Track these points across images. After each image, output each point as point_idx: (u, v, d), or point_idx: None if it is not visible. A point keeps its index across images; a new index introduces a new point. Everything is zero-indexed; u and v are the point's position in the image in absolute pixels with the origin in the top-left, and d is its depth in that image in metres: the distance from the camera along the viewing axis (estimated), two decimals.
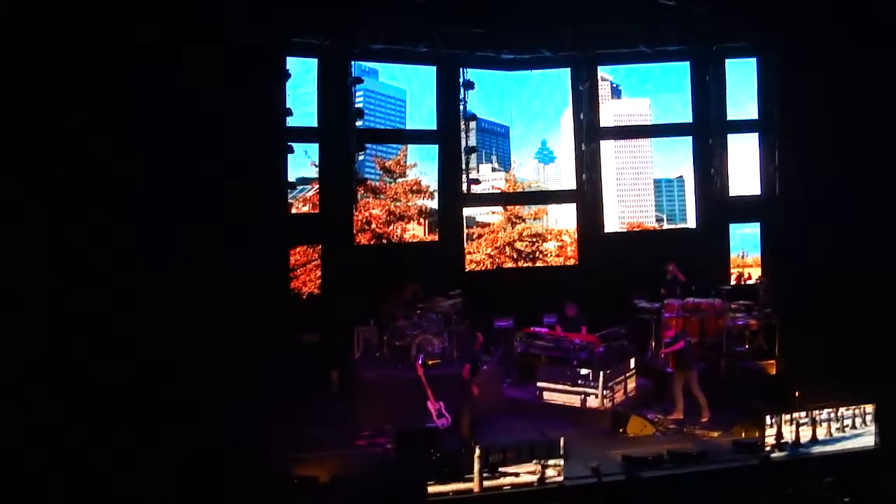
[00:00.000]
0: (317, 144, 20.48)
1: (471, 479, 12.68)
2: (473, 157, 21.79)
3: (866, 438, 14.47)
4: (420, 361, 16.12)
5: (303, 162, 20.27)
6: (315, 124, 20.45)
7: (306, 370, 18.08)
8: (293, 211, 20.37)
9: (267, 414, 16.00)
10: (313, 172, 20.49)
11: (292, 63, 19.73)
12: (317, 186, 20.47)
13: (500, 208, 22.82)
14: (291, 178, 20.04)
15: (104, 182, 14.95)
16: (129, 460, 12.79)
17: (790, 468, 13.46)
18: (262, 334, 17.60)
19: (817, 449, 14.09)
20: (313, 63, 20.30)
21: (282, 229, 19.66)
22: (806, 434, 14.23)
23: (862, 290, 18.96)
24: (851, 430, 14.47)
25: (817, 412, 14.32)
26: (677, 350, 16.55)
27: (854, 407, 14.52)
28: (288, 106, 19.62)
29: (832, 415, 14.36)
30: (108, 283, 14.65)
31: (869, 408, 14.56)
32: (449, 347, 17.54)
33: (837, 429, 14.40)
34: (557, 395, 17.02)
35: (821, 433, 14.30)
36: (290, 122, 19.73)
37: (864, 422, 14.52)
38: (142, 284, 15.33)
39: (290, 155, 19.78)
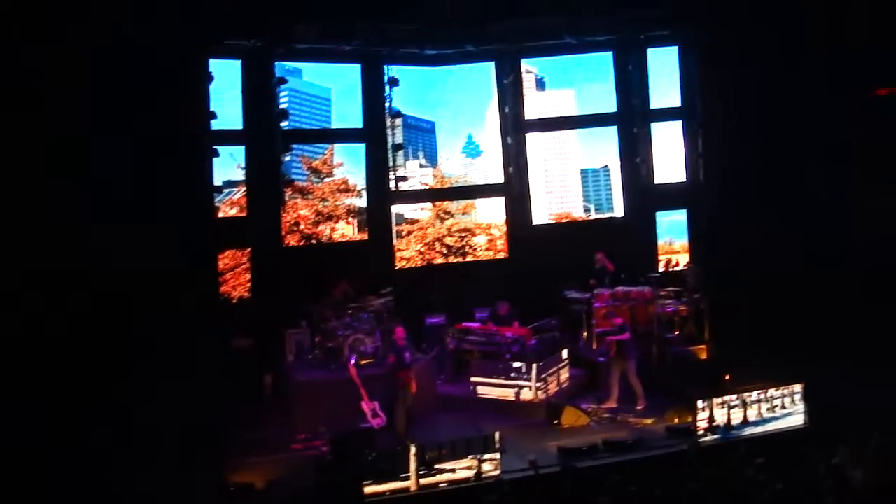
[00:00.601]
0: (243, 147, 20.22)
1: (407, 478, 12.68)
2: (400, 153, 21.68)
3: (796, 417, 14.74)
4: (353, 362, 16.03)
5: (229, 164, 20.07)
6: (240, 126, 20.18)
7: (239, 375, 17.88)
8: (220, 215, 20.11)
9: (200, 421, 15.81)
10: (240, 175, 20.26)
11: (216, 65, 19.46)
12: (243, 189, 20.24)
13: (428, 204, 22.77)
14: (218, 181, 19.77)
15: (28, 187, 14.74)
16: (62, 467, 12.57)
17: (722, 451, 13.62)
18: (192, 341, 17.38)
19: (749, 430, 14.30)
20: (237, 65, 20.04)
21: (209, 234, 19.40)
22: (737, 416, 14.45)
23: (786, 271, 19.30)
24: (781, 410, 14.73)
25: (747, 394, 14.56)
26: (622, 340, 16.67)
27: (783, 387, 14.78)
28: (212, 109, 19.34)
29: (762, 396, 14.60)
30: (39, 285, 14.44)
31: (797, 387, 14.82)
32: (381, 346, 17.47)
33: (768, 409, 14.64)
34: (491, 390, 17.03)
35: (752, 415, 14.53)
36: (215, 125, 19.41)
37: (792, 401, 14.78)
38: (70, 288, 15.13)
39: (215, 158, 19.48)
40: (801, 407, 14.78)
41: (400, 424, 14.87)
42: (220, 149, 19.53)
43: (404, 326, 16.62)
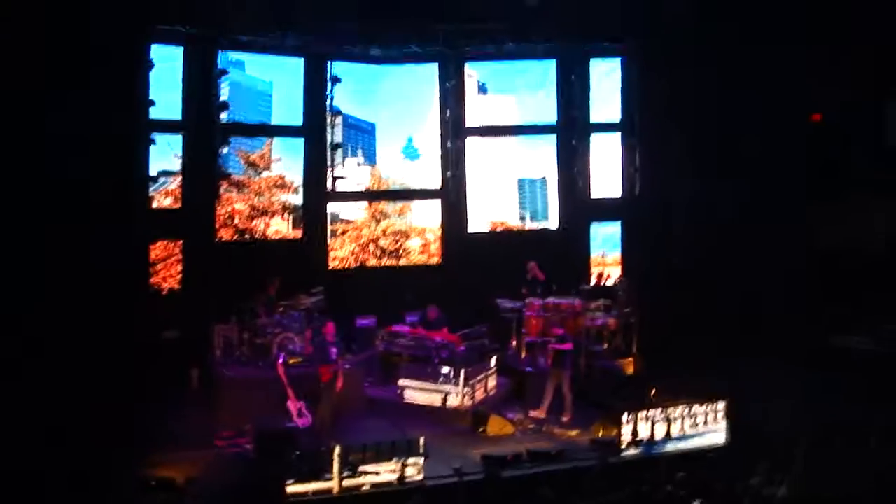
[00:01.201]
0: (180, 136, 19.99)
1: (330, 479, 12.62)
2: (339, 152, 21.63)
3: (717, 435, 14.91)
4: (281, 360, 15.91)
5: (165, 153, 19.77)
6: (179, 116, 19.93)
7: (165, 368, 17.68)
8: (154, 204, 19.84)
9: (124, 414, 15.59)
10: (176, 165, 20.01)
11: (156, 51, 19.17)
12: (179, 179, 20.00)
13: (365, 204, 22.70)
14: (153, 170, 19.51)
15: None
16: None
17: (643, 466, 13.77)
18: (119, 332, 17.16)
19: (671, 445, 14.44)
20: (178, 52, 19.77)
21: (142, 224, 19.17)
22: (661, 431, 14.60)
23: (715, 288, 19.60)
24: (704, 426, 14.90)
25: (672, 409, 14.70)
26: (563, 350, 16.75)
27: (706, 404, 14.95)
28: (151, 97, 19.07)
29: (686, 412, 14.75)
30: None
31: (720, 405, 15.00)
32: (310, 346, 17.37)
33: (691, 426, 14.79)
34: (418, 394, 17.08)
35: (675, 430, 14.67)
36: (153, 112, 19.15)
37: (715, 418, 14.95)
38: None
39: (152, 146, 19.25)
40: (723, 424, 14.97)
41: (322, 422, 14.80)
42: (157, 137, 19.27)
43: (329, 317, 16.63)
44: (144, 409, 16.11)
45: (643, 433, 14.44)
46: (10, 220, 15.72)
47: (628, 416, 14.45)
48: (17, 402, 13.96)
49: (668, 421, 14.59)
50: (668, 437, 14.56)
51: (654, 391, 17.06)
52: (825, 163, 19.74)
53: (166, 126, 19.72)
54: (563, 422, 16.44)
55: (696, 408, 14.85)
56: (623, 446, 14.28)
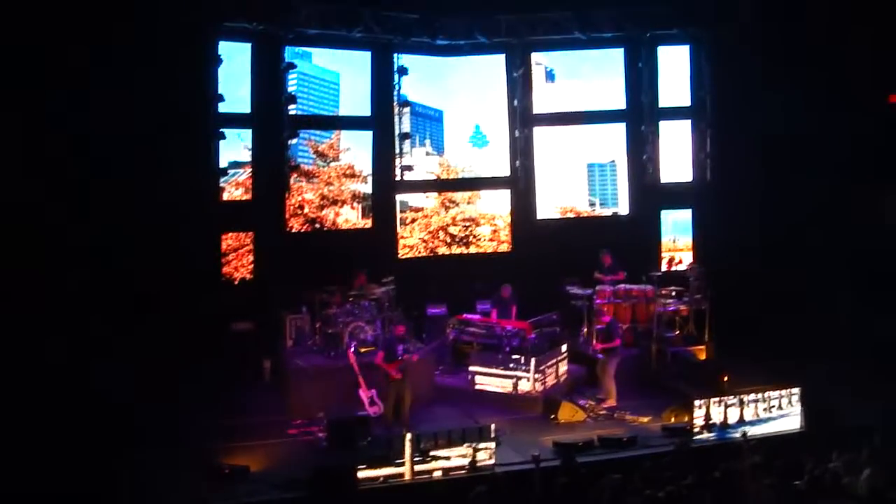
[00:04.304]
0: (250, 130, 20.21)
1: (402, 464, 12.72)
2: (407, 142, 21.72)
3: (792, 419, 14.76)
4: (352, 349, 16.05)
5: (235, 146, 19.99)
6: (248, 110, 20.15)
7: (238, 358, 17.94)
8: (226, 195, 20.06)
9: (199, 403, 15.84)
10: (246, 156, 20.23)
11: (225, 47, 19.41)
12: (249, 170, 20.22)
13: (433, 192, 22.74)
14: (224, 163, 19.74)
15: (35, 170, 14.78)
16: (64, 452, 12.58)
17: (717, 451, 13.66)
18: (193, 323, 17.41)
19: (745, 430, 14.28)
20: (247, 47, 19.99)
21: (214, 218, 19.42)
22: (734, 415, 14.48)
23: (790, 275, 19.31)
24: (778, 410, 14.76)
25: (745, 395, 14.59)
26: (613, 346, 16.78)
27: (781, 389, 14.80)
28: (220, 91, 19.28)
29: (759, 396, 14.63)
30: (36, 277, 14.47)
31: (795, 389, 14.84)
32: (382, 335, 17.50)
33: (764, 409, 14.66)
34: (489, 380, 17.08)
35: (748, 414, 14.55)
36: (223, 107, 19.38)
37: (790, 402, 14.80)
38: (73, 273, 15.19)
39: (222, 141, 19.43)
40: (797, 409, 14.80)
41: (389, 417, 15.02)
42: (227, 132, 19.50)
43: (406, 315, 16.76)
44: (218, 398, 16.38)
45: (716, 417, 14.38)
46: (96, 216, 16.04)
47: (700, 401, 14.40)
48: (91, 391, 14.26)
49: (742, 405, 14.50)
50: (741, 420, 14.47)
51: (726, 377, 16.92)
52: None
53: (236, 120, 19.91)
54: (608, 407, 16.40)
55: (770, 392, 14.75)
56: (696, 431, 14.24)
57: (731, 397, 14.66)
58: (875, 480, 10.85)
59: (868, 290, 18.54)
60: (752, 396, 14.68)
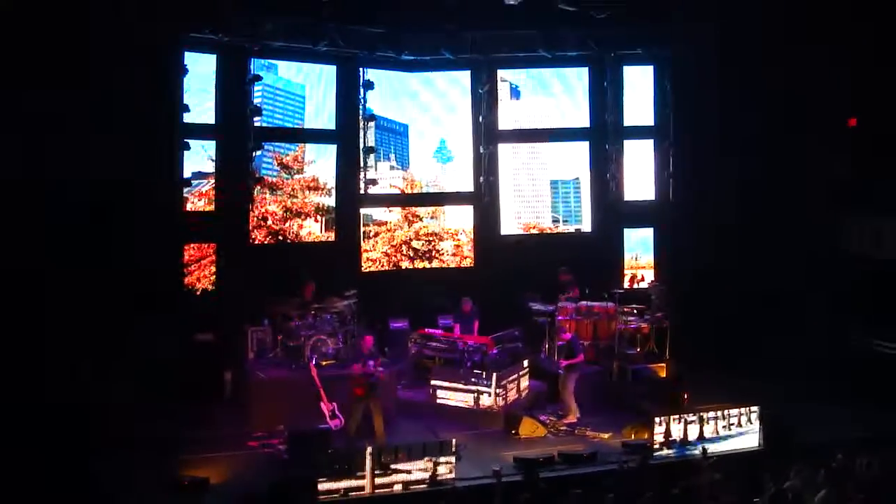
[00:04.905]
0: (214, 141, 20.11)
1: (363, 477, 12.71)
2: (371, 156, 21.74)
3: (751, 437, 14.91)
4: (314, 362, 16.00)
5: (199, 157, 19.88)
6: (213, 121, 20.04)
7: (199, 370, 17.78)
8: (189, 206, 19.95)
9: (159, 414, 15.70)
10: (210, 166, 20.12)
11: (190, 58, 19.31)
12: (213, 181, 20.11)
13: (397, 206, 22.74)
14: (187, 173, 19.64)
15: None
16: (11, 463, 12.45)
17: (677, 467, 13.77)
18: (153, 334, 17.26)
19: (704, 446, 14.41)
20: (212, 59, 19.90)
21: (176, 229, 19.29)
22: (693, 432, 14.59)
23: (751, 294, 19.51)
24: (737, 427, 14.90)
25: (705, 412, 14.72)
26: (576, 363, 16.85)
27: (740, 407, 14.94)
28: (185, 102, 19.20)
29: (719, 413, 14.76)
30: None
31: (754, 408, 14.98)
32: (343, 348, 17.47)
33: (724, 427, 14.80)
34: (451, 395, 17.13)
35: (708, 431, 14.68)
36: (188, 118, 19.27)
37: (749, 420, 14.95)
38: (31, 284, 15.05)
39: (186, 151, 19.32)
40: (756, 427, 14.94)
41: (355, 432, 14.95)
42: (191, 142, 19.40)
43: (368, 329, 16.76)
44: (178, 410, 16.24)
45: (676, 434, 14.48)
46: (49, 220, 15.86)
47: (660, 418, 14.50)
48: (46, 400, 14.12)
49: (702, 421, 14.62)
50: (701, 437, 14.59)
51: (686, 395, 17.06)
52: (860, 167, 19.50)
53: (201, 130, 19.79)
54: (567, 423, 16.49)
55: (730, 410, 14.90)
56: (655, 447, 14.33)
57: (691, 414, 14.80)
58: (829, 500, 10.93)
59: (828, 311, 18.79)
60: (712, 414, 14.83)
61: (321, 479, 12.52)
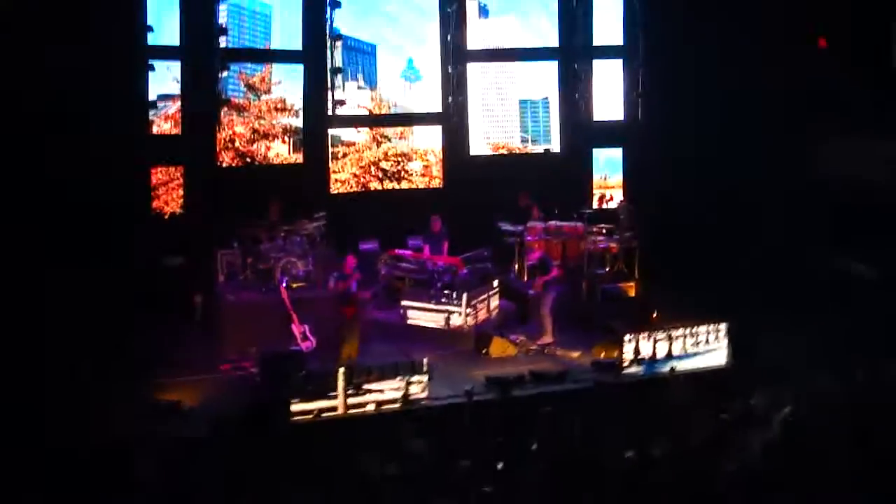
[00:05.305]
0: (179, 62, 19.79)
1: (335, 397, 12.79)
2: (339, 77, 21.47)
3: (719, 354, 15.08)
4: (284, 284, 15.97)
5: (164, 79, 19.60)
6: (177, 42, 19.67)
7: (168, 294, 17.73)
8: (155, 129, 19.72)
9: (129, 340, 15.65)
10: (175, 88, 19.85)
11: None
12: (178, 103, 19.86)
13: (365, 127, 22.56)
14: (153, 95, 19.38)
15: None
16: None
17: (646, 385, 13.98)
18: (121, 258, 17.17)
19: (672, 364, 14.65)
20: None
21: (142, 151, 19.08)
22: (662, 349, 14.76)
23: (718, 213, 19.60)
24: (705, 345, 15.06)
25: (673, 330, 14.88)
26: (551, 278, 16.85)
27: (708, 324, 15.08)
28: (149, 22, 18.83)
29: (687, 332, 14.92)
30: None
31: (722, 325, 15.14)
32: (313, 270, 17.45)
33: (692, 344, 14.96)
34: (421, 315, 17.17)
35: (676, 349, 14.85)
36: (151, 39, 18.94)
37: (717, 338, 15.11)
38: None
39: (151, 73, 19.07)
40: (724, 344, 15.11)
41: (348, 359, 14.83)
42: (156, 63, 19.11)
43: (337, 251, 16.74)
44: (148, 335, 16.20)
45: (645, 352, 14.65)
46: (9, 149, 15.61)
47: (630, 337, 14.63)
48: (19, 330, 14.02)
49: (670, 339, 14.78)
50: (669, 355, 14.77)
51: (655, 314, 17.21)
52: (828, 92, 19.46)
53: (165, 51, 19.47)
54: (544, 343, 16.52)
55: (698, 328, 15.05)
56: (625, 365, 14.49)
57: (660, 332, 14.93)
58: (792, 417, 11.07)
59: (797, 226, 18.90)
60: (680, 331, 14.97)
61: (294, 401, 12.58)
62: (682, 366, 14.68)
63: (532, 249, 18.20)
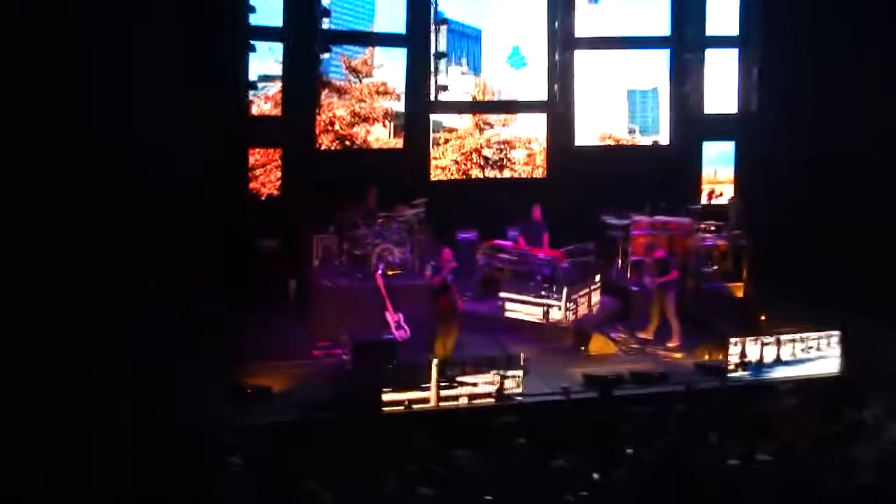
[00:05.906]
0: (281, 43, 19.70)
1: (427, 389, 12.47)
2: (442, 61, 21.19)
3: (830, 362, 14.33)
4: (380, 272, 15.67)
5: (266, 58, 19.54)
6: (280, 23, 19.60)
7: (264, 278, 17.62)
8: (255, 110, 19.69)
9: (222, 323, 15.52)
10: (276, 69, 19.78)
11: None
12: (279, 84, 19.79)
13: (468, 113, 22.23)
14: (253, 76, 19.34)
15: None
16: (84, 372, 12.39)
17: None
18: (218, 241, 17.11)
19: (780, 370, 14.02)
20: None
21: (241, 132, 19.02)
22: (770, 355, 14.08)
23: (834, 214, 18.78)
24: (816, 352, 14.33)
25: (782, 334, 14.19)
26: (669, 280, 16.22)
27: (820, 330, 14.36)
28: (251, 2, 18.73)
29: (797, 336, 14.22)
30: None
31: (834, 332, 14.40)
32: (410, 258, 17.18)
33: (802, 350, 14.26)
34: (520, 308, 16.77)
35: (785, 354, 14.15)
36: (253, 19, 18.90)
37: (828, 344, 14.39)
38: (101, 188, 14.81)
39: (252, 54, 19.06)
40: (836, 351, 14.36)
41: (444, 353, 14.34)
42: (257, 44, 19.08)
43: (435, 239, 16.52)
44: (242, 318, 16.09)
45: (752, 356, 13.99)
46: (114, 131, 15.58)
47: (736, 339, 14.00)
48: (114, 312, 13.97)
49: (779, 344, 14.09)
50: (777, 360, 14.09)
51: (763, 317, 16.48)
52: None
53: (267, 32, 19.44)
54: (670, 347, 15.91)
55: (809, 333, 14.34)
56: (730, 369, 13.86)
57: (768, 336, 14.25)
58: None
59: None
60: (790, 336, 14.26)
61: (386, 390, 12.29)
62: (791, 372, 13.98)
63: (653, 247, 17.46)
